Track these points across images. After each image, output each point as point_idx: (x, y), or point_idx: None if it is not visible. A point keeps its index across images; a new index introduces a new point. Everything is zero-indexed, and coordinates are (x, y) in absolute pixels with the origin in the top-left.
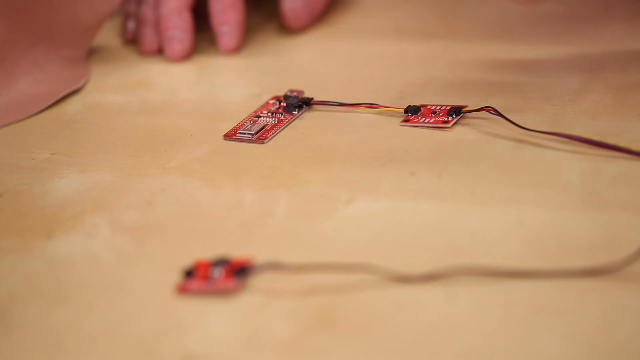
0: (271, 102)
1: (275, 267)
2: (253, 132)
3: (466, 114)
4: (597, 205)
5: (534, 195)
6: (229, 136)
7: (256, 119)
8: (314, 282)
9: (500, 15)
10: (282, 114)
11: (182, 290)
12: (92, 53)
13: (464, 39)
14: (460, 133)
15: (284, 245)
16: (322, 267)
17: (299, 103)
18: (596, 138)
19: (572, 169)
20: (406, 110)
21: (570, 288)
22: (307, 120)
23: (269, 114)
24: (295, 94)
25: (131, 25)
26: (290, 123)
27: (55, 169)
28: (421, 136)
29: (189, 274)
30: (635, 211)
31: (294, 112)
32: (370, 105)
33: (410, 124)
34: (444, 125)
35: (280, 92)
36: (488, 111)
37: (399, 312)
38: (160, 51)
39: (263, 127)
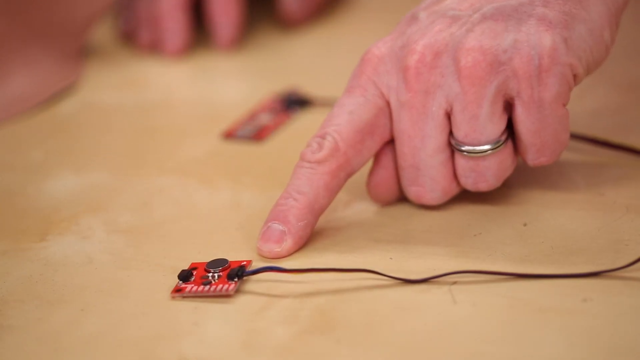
0: (270, 101)
1: (274, 269)
2: (251, 132)
3: None
4: (602, 206)
5: (538, 195)
6: (227, 136)
7: (255, 118)
8: (313, 285)
9: None
10: (281, 113)
11: (179, 293)
12: (88, 52)
13: None
14: None
15: None
16: (321, 269)
17: (298, 102)
18: (600, 137)
19: (576, 168)
20: None
21: (574, 289)
22: (306, 119)
23: (268, 113)
24: (294, 92)
25: (127, 20)
26: (289, 122)
27: (50, 169)
28: None
29: (186, 276)
30: None
31: (292, 111)
32: None
33: None
34: None
35: (279, 91)
36: None
37: (399, 315)
38: (156, 47)
39: (262, 127)
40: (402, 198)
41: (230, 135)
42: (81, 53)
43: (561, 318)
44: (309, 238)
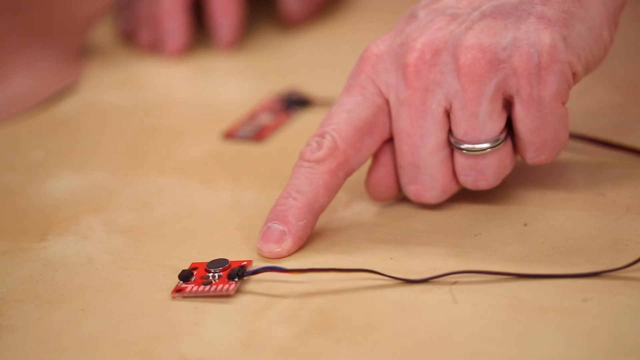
0: (270, 101)
1: (274, 269)
2: (252, 132)
3: None
4: (602, 206)
5: (538, 195)
6: (227, 136)
7: (255, 118)
8: (313, 285)
9: None
10: (281, 113)
11: (179, 293)
12: (88, 52)
13: None
14: None
15: None
16: (321, 269)
17: (298, 102)
18: (601, 137)
19: (577, 169)
20: None
21: (574, 289)
22: (306, 119)
23: (268, 113)
24: (294, 92)
25: (127, 20)
26: (289, 122)
27: (50, 169)
28: None
29: (186, 276)
30: None
31: (292, 111)
32: None
33: None
34: None
35: (280, 91)
36: None
37: (399, 315)
38: (156, 47)
39: (262, 127)
40: (401, 197)
41: (230, 135)
42: (81, 53)
43: (561, 318)
44: (309, 238)
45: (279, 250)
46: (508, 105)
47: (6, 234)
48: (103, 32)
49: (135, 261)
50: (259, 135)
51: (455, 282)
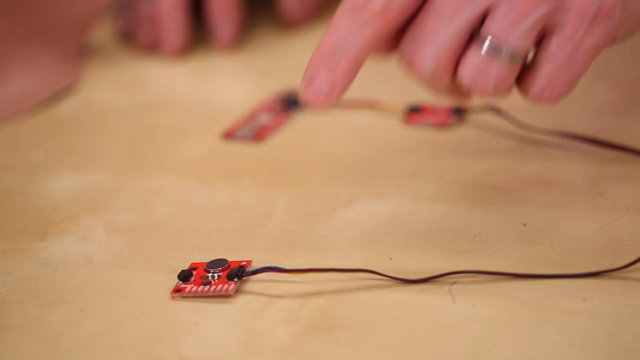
0: (270, 101)
1: (274, 269)
2: (251, 132)
3: (469, 113)
4: (602, 206)
5: (538, 195)
6: (227, 136)
7: (254, 118)
8: (313, 285)
9: None
10: (281, 113)
11: (179, 293)
12: (87, 52)
13: None
14: (462, 133)
15: (282, 247)
16: (321, 269)
17: (298, 102)
18: (601, 137)
19: (577, 169)
20: (408, 110)
21: (574, 289)
22: (306, 119)
23: (268, 113)
24: (294, 92)
25: (127, 20)
26: (289, 122)
27: (50, 169)
28: (423, 136)
29: (186, 276)
30: None
31: (292, 111)
32: (371, 105)
33: (411, 124)
34: (446, 124)
35: (280, 91)
36: (491, 110)
37: (399, 315)
38: (156, 47)
39: (261, 127)
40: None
41: (230, 135)
42: (81, 53)
43: (561, 318)
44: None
45: (324, 100)
46: (539, 37)
47: (6, 234)
48: (103, 32)
49: (135, 261)
50: (258, 135)
51: (454, 282)
